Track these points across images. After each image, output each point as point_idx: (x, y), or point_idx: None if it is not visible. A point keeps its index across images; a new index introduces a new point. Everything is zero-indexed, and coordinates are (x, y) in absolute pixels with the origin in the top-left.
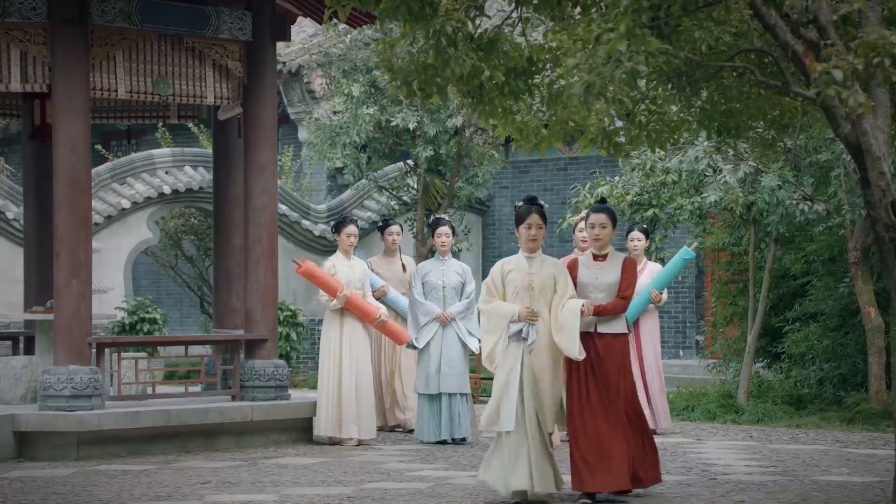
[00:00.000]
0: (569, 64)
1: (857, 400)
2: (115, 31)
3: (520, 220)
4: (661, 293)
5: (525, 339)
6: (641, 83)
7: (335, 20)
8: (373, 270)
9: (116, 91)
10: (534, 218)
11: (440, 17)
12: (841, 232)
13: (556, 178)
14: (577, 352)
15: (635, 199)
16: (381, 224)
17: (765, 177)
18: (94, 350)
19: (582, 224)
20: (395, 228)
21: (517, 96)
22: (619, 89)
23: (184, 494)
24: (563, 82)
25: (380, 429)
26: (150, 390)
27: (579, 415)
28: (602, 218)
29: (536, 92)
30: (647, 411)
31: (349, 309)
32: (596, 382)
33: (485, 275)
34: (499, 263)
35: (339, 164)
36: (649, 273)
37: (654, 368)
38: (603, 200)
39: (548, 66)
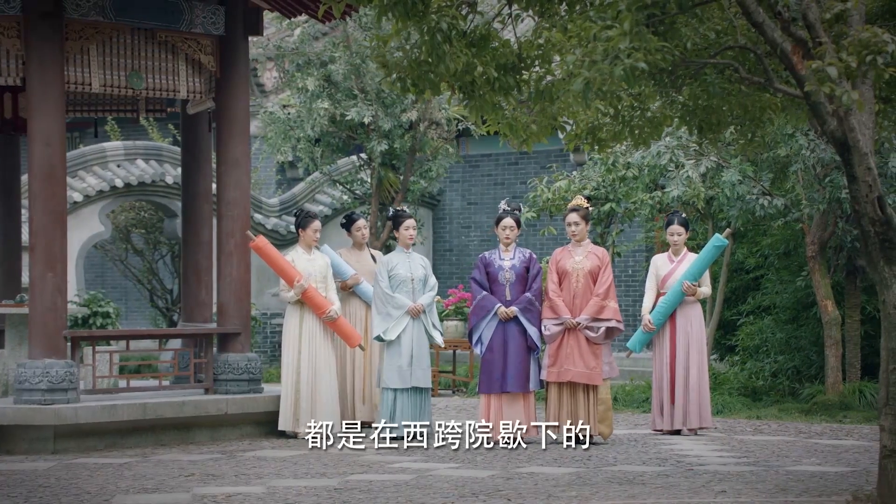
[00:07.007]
0: (568, 61)
1: (812, 392)
2: (90, 24)
3: None
4: (695, 284)
5: None
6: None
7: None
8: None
9: (90, 85)
10: None
11: (433, 13)
12: (798, 226)
13: (507, 173)
14: None
15: (592, 193)
16: (344, 220)
17: (726, 172)
18: (68, 344)
19: (569, 217)
20: (361, 222)
21: (507, 92)
22: (617, 86)
23: (171, 487)
24: (550, 78)
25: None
26: (122, 384)
27: None
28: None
29: (525, 88)
30: (666, 410)
31: (304, 300)
32: None
33: (435, 269)
34: None
35: (290, 158)
36: (687, 264)
37: (687, 367)
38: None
39: (536, 62)
